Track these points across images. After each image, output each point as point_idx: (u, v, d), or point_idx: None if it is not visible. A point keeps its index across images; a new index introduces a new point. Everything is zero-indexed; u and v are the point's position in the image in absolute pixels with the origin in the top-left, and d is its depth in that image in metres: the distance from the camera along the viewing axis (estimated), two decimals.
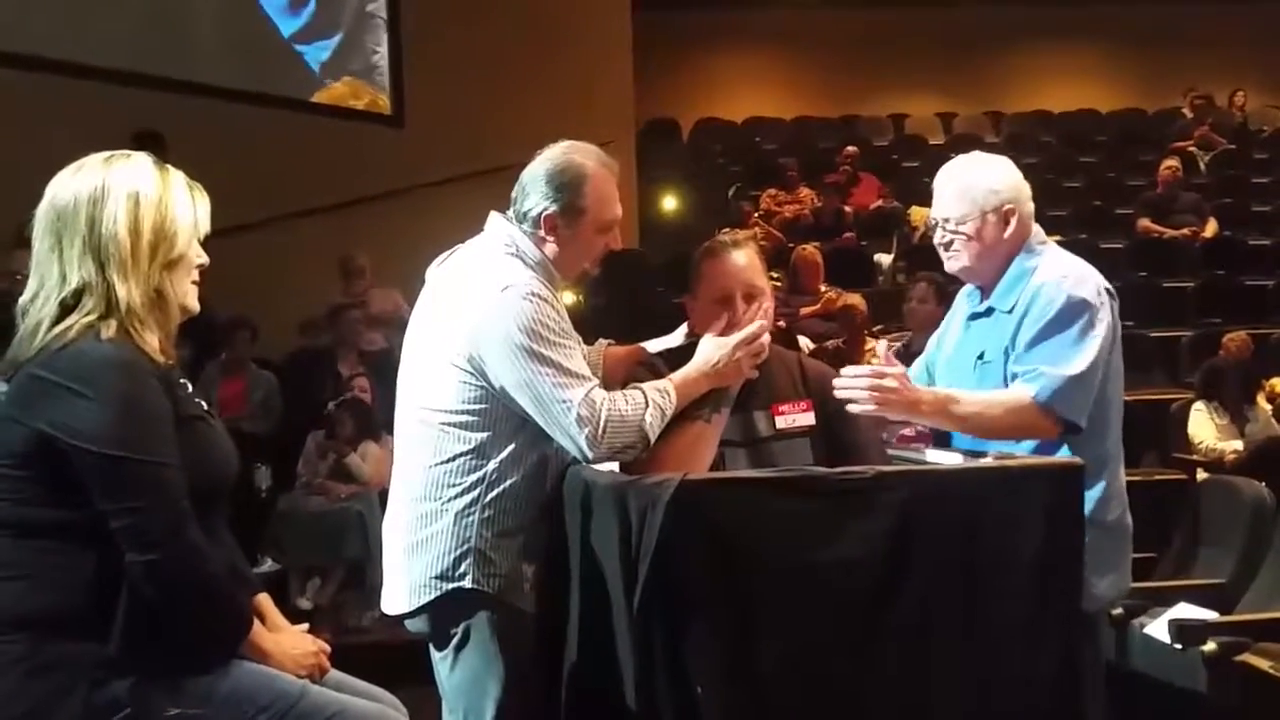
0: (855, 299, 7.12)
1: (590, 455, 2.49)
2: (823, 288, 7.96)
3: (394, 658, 3.16)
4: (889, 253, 10.00)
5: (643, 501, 2.31)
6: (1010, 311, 2.81)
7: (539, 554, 2.63)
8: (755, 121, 13.67)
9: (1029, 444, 2.80)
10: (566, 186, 2.64)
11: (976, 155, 2.96)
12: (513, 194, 2.69)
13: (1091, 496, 2.71)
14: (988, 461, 2.68)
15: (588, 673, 2.52)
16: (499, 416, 2.55)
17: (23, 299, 2.02)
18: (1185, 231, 9.89)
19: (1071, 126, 13.51)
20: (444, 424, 2.58)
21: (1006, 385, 2.76)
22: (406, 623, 2.71)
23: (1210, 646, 3.70)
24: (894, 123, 13.82)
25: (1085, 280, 2.80)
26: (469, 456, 2.57)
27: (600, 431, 2.46)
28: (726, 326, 2.70)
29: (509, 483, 2.58)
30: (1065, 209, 10.86)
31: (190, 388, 2.15)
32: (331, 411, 5.99)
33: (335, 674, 2.29)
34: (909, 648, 2.40)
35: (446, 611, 2.61)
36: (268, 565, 5.74)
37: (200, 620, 2.01)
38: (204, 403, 2.16)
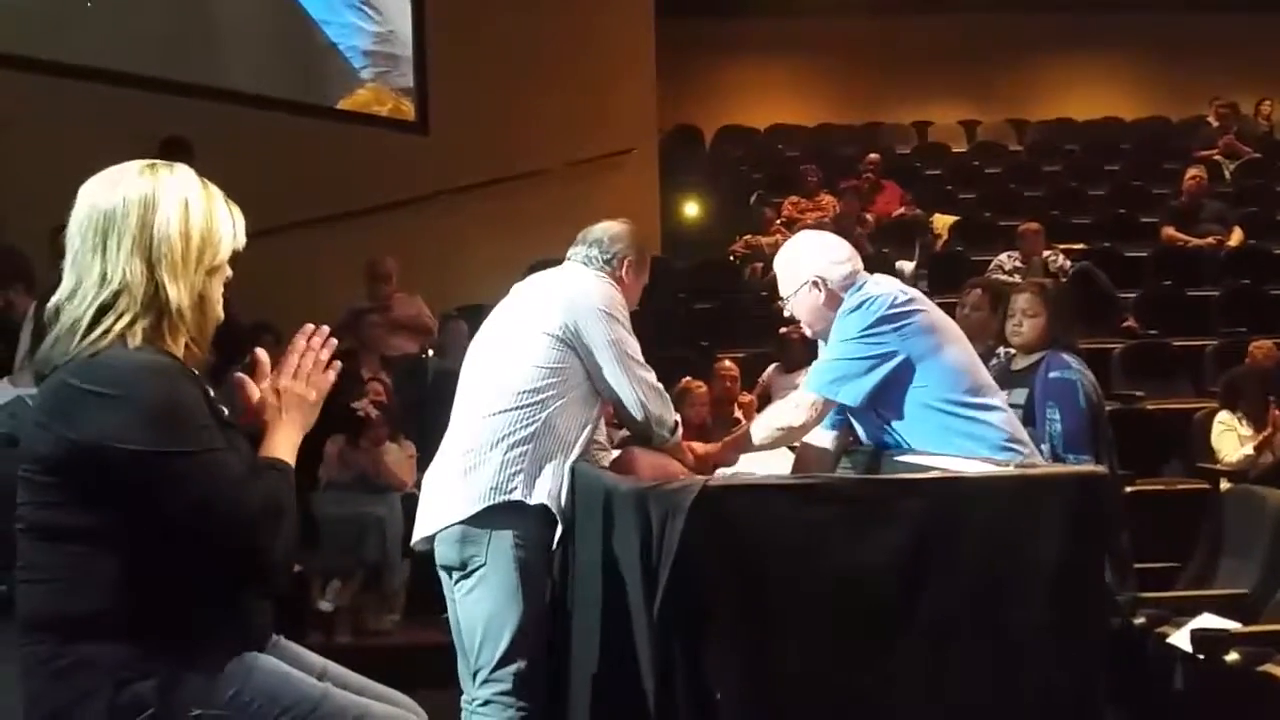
0: None
1: (641, 416, 3.11)
2: None
3: (414, 660, 3.19)
4: (911, 260, 9.98)
5: (664, 508, 2.32)
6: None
7: (570, 486, 3.03)
8: (778, 128, 13.65)
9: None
10: (636, 246, 3.36)
11: (794, 240, 3.51)
12: (583, 245, 3.33)
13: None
14: (1009, 469, 2.68)
15: (607, 679, 2.53)
16: (571, 372, 3.08)
17: (56, 298, 2.03)
18: (1210, 240, 9.83)
19: (1096, 134, 13.45)
20: (524, 378, 3.05)
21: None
22: (438, 549, 3.06)
23: (1233, 657, 3.68)
24: (917, 130, 13.79)
25: (868, 290, 3.23)
26: (533, 404, 3.03)
27: (655, 400, 3.13)
28: None
29: (559, 426, 3.04)
30: (1089, 217, 10.81)
31: (213, 393, 2.17)
32: (357, 412, 6.02)
33: (355, 677, 2.30)
34: (929, 655, 2.40)
35: (480, 542, 2.99)
36: None
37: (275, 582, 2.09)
38: (224, 409, 2.16)
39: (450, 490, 3.06)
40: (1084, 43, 13.85)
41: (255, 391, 2.19)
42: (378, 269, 7.60)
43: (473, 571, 3.00)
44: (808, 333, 3.45)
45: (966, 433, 3.10)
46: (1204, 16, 13.34)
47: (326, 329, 2.26)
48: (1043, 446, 3.87)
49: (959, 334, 3.30)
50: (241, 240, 2.13)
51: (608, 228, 3.36)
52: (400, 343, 7.33)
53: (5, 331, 4.23)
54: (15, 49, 7.34)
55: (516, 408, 3.04)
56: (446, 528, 3.03)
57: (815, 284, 3.29)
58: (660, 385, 3.18)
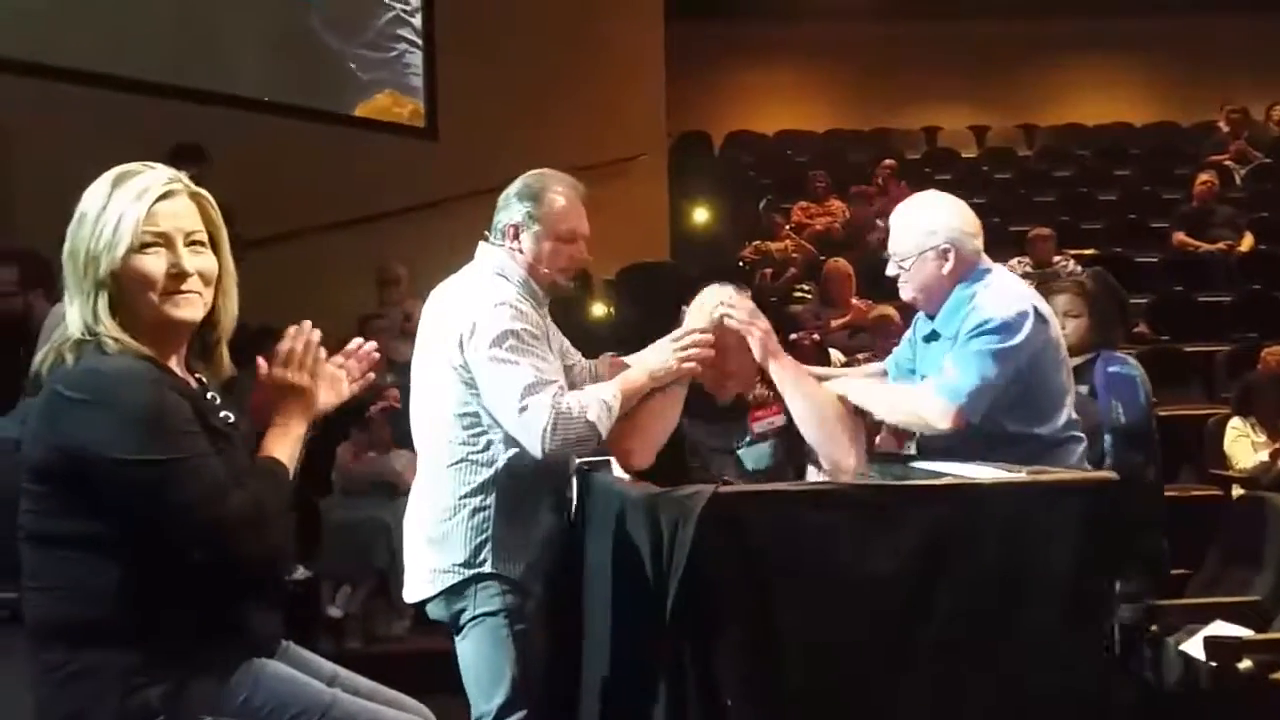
0: (888, 311, 7.10)
1: (539, 451, 2.72)
2: (854, 300, 7.94)
3: (424, 666, 3.18)
4: None
5: (674, 514, 2.31)
6: (953, 337, 3.05)
7: (550, 542, 2.89)
8: (787, 134, 13.64)
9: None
10: (526, 199, 2.98)
11: (929, 195, 3.26)
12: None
13: None
14: (1022, 475, 2.67)
15: (617, 685, 2.52)
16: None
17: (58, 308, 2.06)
18: (1221, 245, 9.80)
19: (1106, 140, 13.41)
20: (453, 425, 2.84)
21: None
22: (428, 608, 2.93)
23: (1245, 664, 3.67)
24: (926, 135, 13.77)
25: (1009, 301, 3.03)
26: (479, 453, 2.83)
27: (550, 428, 2.70)
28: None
29: (518, 476, 2.82)
30: (1099, 223, 10.78)
31: (218, 399, 2.16)
32: (369, 416, 6.03)
33: (365, 682, 2.30)
34: (942, 661, 2.40)
35: (461, 595, 2.85)
36: (299, 573, 5.76)
37: (270, 588, 2.10)
38: (230, 415, 2.15)
39: (424, 560, 2.91)
40: (1094, 47, 13.82)
41: (264, 369, 2.18)
42: (387, 274, 7.61)
43: (464, 625, 2.88)
44: (910, 297, 3.20)
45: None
46: (1215, 21, 13.31)
47: (316, 331, 2.22)
48: (1106, 436, 3.90)
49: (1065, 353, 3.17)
50: (138, 243, 1.99)
51: (508, 189, 3.03)
52: (409, 348, 7.33)
53: (26, 336, 4.25)
54: (29, 55, 7.36)
55: (465, 461, 2.84)
56: (431, 598, 2.91)
57: (945, 251, 3.08)
58: (569, 404, 2.72)
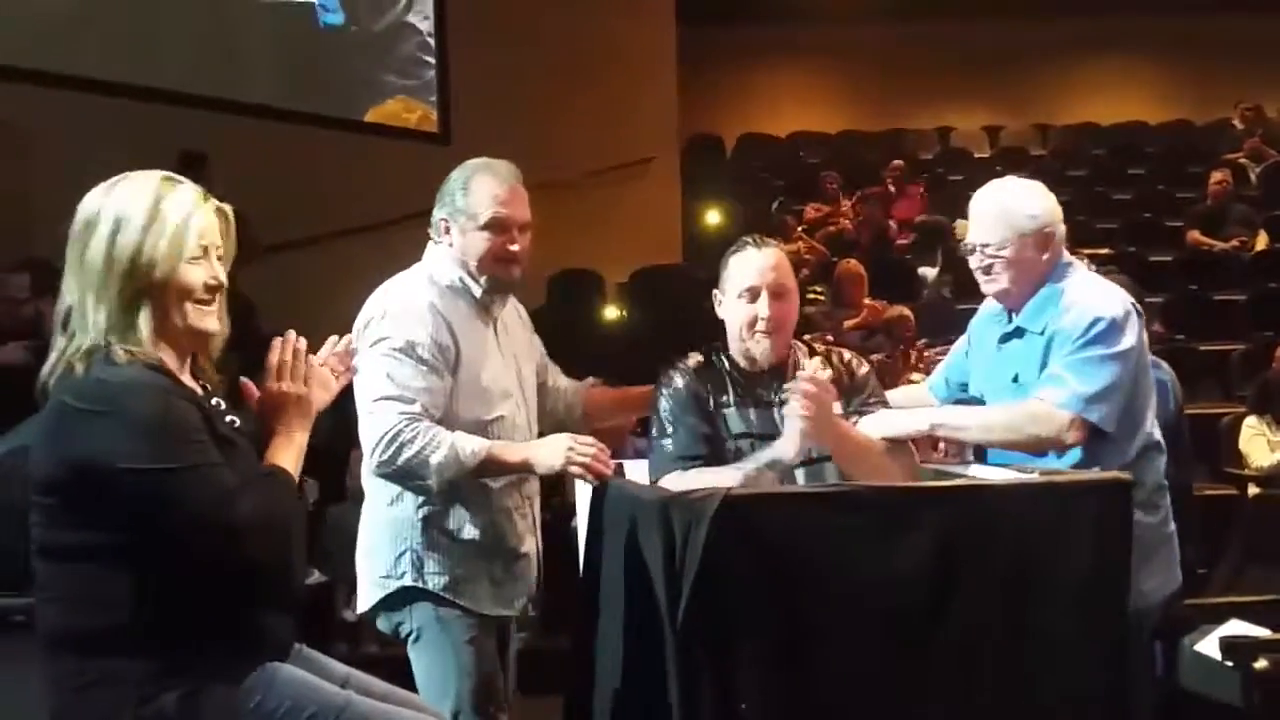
0: (904, 311, 7.09)
1: (369, 461, 2.69)
2: (866, 300, 7.94)
3: None
4: (934, 266, 9.95)
5: (687, 517, 2.31)
6: (1042, 333, 2.88)
7: (486, 555, 2.80)
8: (799, 136, 13.64)
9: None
10: (453, 191, 2.86)
11: (1012, 180, 3.04)
12: None
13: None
14: (1034, 477, 2.67)
15: (631, 691, 2.53)
16: None
17: (56, 310, 2.06)
18: (1235, 244, 9.78)
19: (1120, 139, 13.38)
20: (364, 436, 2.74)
21: None
22: (375, 622, 2.87)
23: (1261, 664, 3.65)
24: (940, 136, 13.75)
25: (1112, 299, 2.87)
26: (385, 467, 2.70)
27: (387, 448, 2.63)
28: (751, 321, 2.80)
29: (439, 487, 2.70)
30: (1114, 222, 10.76)
31: (224, 406, 2.17)
32: None
33: (379, 685, 2.31)
34: (957, 664, 2.39)
35: (397, 609, 2.79)
36: (314, 577, 5.77)
37: (281, 591, 2.10)
38: (235, 419, 2.17)
39: (362, 571, 2.87)
40: (1108, 47, 13.79)
41: (255, 392, 2.19)
42: None
43: (407, 637, 2.83)
44: (1001, 290, 2.95)
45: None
46: (1229, 20, 13.26)
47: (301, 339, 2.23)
48: None
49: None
50: (192, 252, 2.04)
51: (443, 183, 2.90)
52: None
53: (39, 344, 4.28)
54: (43, 64, 7.41)
55: (375, 473, 2.74)
56: (371, 610, 2.86)
57: (1048, 236, 2.89)
58: (419, 436, 2.63)
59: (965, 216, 3.08)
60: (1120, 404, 2.78)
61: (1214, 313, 8.77)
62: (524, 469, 2.76)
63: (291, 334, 2.22)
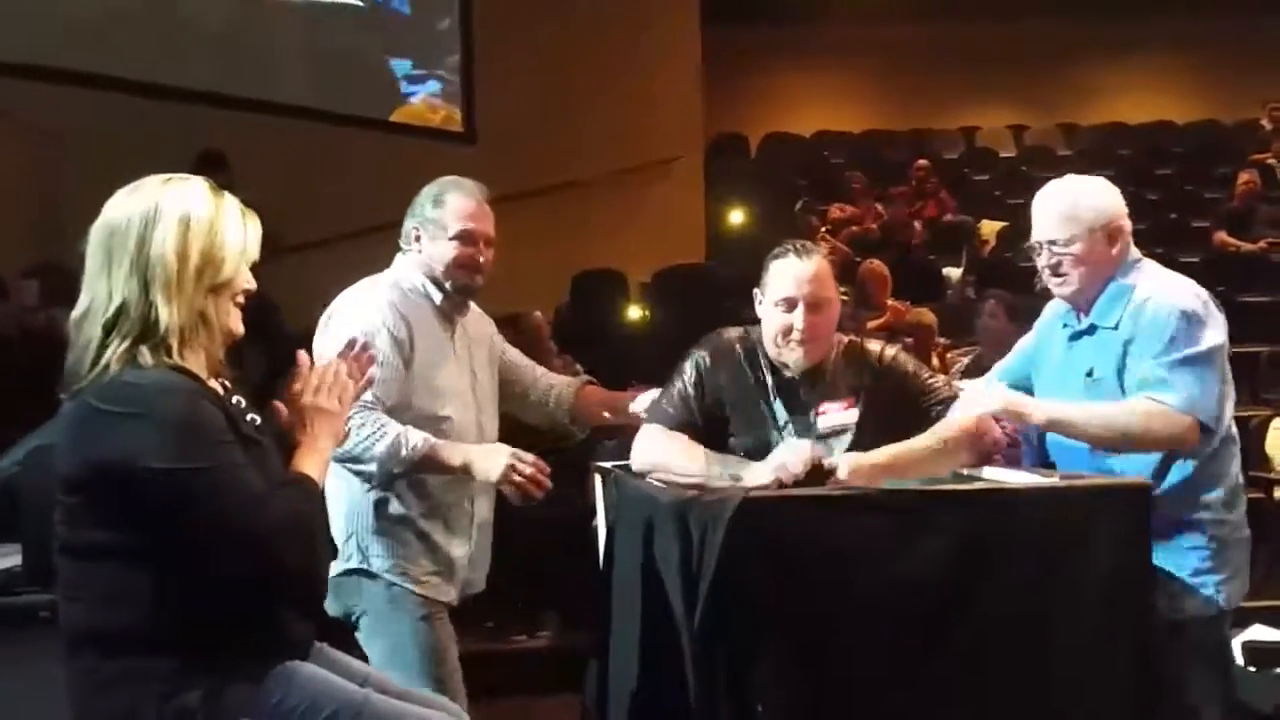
0: (926, 314, 7.07)
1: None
2: (890, 301, 7.92)
3: None
4: (958, 266, 9.92)
5: (704, 519, 2.32)
6: (1116, 328, 2.85)
7: (425, 543, 2.88)
8: (824, 135, 13.60)
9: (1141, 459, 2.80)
10: (425, 203, 3.05)
11: (1074, 178, 3.00)
12: None
13: (1215, 499, 2.80)
14: (1055, 480, 2.66)
15: (648, 691, 2.53)
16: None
17: (74, 313, 2.07)
18: (1263, 245, 9.71)
19: (1147, 139, 13.29)
20: None
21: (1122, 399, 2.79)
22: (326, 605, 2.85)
23: None
24: (964, 136, 13.70)
25: (1188, 291, 2.85)
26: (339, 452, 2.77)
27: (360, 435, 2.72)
28: (786, 330, 2.79)
29: (384, 475, 2.79)
30: (1141, 223, 10.58)
31: (244, 404, 2.19)
32: None
33: (396, 683, 2.34)
34: (975, 667, 2.39)
35: (349, 593, 2.87)
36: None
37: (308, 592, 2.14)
38: (256, 418, 2.18)
39: None
40: (1134, 47, 13.69)
41: (285, 413, 2.21)
42: None
43: (359, 618, 2.90)
44: (1073, 290, 2.90)
45: (1213, 474, 2.82)
46: (1256, 19, 13.15)
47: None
48: None
49: None
50: (254, 254, 2.12)
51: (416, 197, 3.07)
52: None
53: (52, 351, 4.29)
54: (81, 64, 7.46)
55: (339, 458, 2.73)
56: None
57: (1118, 229, 2.87)
58: (355, 413, 2.64)
59: (991, 217, 3.06)
60: (1219, 399, 2.78)
61: (1241, 314, 8.66)
62: (463, 472, 2.84)
63: (335, 360, 2.26)
